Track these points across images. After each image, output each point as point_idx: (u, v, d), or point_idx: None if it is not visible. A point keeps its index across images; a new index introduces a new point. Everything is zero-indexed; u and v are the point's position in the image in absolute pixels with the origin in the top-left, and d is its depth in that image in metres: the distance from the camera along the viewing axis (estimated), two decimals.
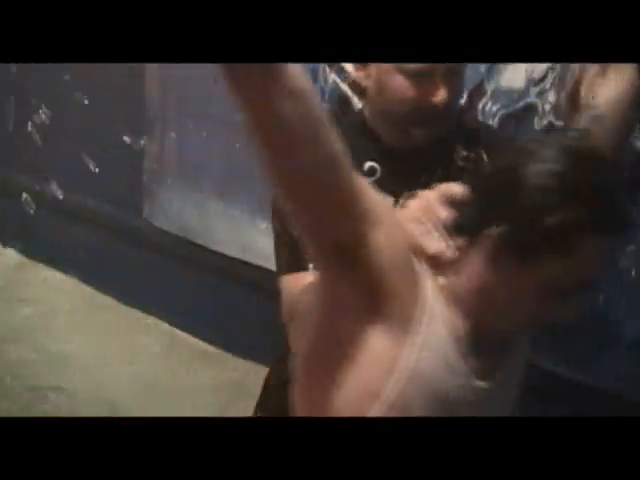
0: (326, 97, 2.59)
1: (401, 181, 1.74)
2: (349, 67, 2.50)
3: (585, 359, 2.13)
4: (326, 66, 2.56)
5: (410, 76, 1.61)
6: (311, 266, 1.66)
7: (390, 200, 1.72)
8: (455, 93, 1.69)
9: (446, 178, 1.78)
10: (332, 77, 2.57)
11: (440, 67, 1.60)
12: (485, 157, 1.85)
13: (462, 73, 1.70)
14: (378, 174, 1.74)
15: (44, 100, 4.01)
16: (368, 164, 1.74)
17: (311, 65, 2.59)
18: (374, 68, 1.67)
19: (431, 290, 1.29)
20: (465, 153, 1.84)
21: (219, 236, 3.13)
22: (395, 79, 1.62)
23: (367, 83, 1.71)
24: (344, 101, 2.55)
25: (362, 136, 1.77)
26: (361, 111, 1.84)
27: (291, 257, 1.71)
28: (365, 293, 1.24)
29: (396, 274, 1.25)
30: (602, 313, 2.07)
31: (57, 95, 3.91)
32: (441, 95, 1.62)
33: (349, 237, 1.21)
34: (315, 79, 2.60)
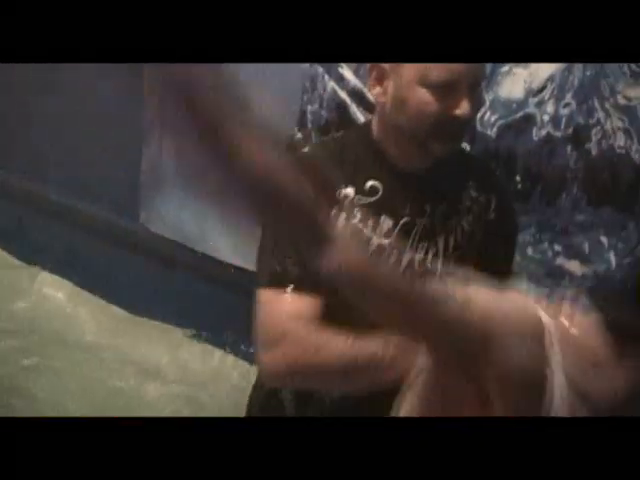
0: (324, 105, 2.59)
1: (403, 205, 1.72)
2: (348, 74, 2.50)
3: None
4: (325, 73, 2.56)
5: (433, 89, 1.55)
6: (291, 286, 1.64)
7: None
8: (477, 104, 1.67)
9: (449, 213, 1.78)
10: (331, 85, 2.56)
11: (464, 78, 1.56)
12: (493, 205, 1.84)
13: (481, 83, 1.67)
14: (379, 194, 1.71)
15: (41, 103, 4.01)
16: (370, 182, 1.71)
17: (310, 72, 2.59)
18: (391, 83, 1.63)
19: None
20: (475, 194, 1.82)
21: (215, 242, 3.13)
22: (417, 93, 1.57)
23: (384, 99, 1.65)
24: (342, 109, 2.54)
25: (367, 153, 1.74)
26: (367, 126, 1.80)
27: (276, 273, 1.67)
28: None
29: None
30: None
31: (54, 98, 3.91)
32: (465, 107, 1.57)
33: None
34: (314, 87, 2.60)
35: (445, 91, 1.56)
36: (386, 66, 1.61)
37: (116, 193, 3.67)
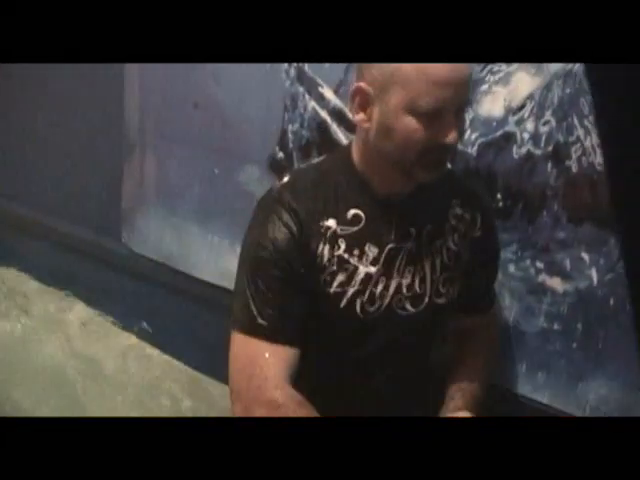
0: (305, 125, 2.59)
1: (387, 231, 1.72)
2: (328, 94, 2.50)
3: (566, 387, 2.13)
4: (306, 93, 2.57)
5: (420, 116, 1.54)
6: (267, 335, 1.64)
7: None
8: (461, 130, 1.66)
9: (435, 234, 1.78)
10: (312, 104, 2.57)
11: (450, 105, 1.55)
12: (479, 222, 1.85)
13: (465, 109, 1.66)
14: (363, 223, 1.70)
15: (21, 122, 4.00)
16: (352, 211, 1.70)
17: (291, 91, 2.59)
18: (376, 110, 1.61)
19: None
20: (460, 212, 1.83)
21: (198, 262, 3.12)
22: (404, 120, 1.55)
23: (367, 125, 1.64)
24: (323, 129, 2.55)
25: (348, 180, 1.73)
26: (347, 151, 1.78)
27: (256, 323, 1.67)
28: None
29: None
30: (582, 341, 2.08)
31: (34, 114, 3.91)
32: (452, 135, 1.56)
33: None
34: (295, 106, 2.61)
35: (432, 118, 1.55)
36: (371, 92, 1.60)
37: (97, 213, 3.66)
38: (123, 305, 3.62)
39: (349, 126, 2.44)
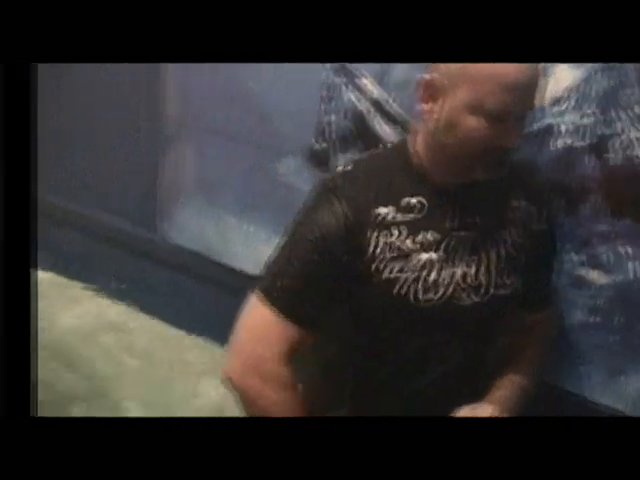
0: (344, 115, 2.59)
1: (449, 219, 1.72)
2: (368, 84, 2.51)
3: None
4: (345, 84, 2.57)
5: (485, 117, 1.56)
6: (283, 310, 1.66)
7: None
8: (521, 135, 1.67)
9: (496, 225, 1.77)
10: (349, 95, 2.57)
11: (514, 109, 1.56)
12: (544, 217, 1.84)
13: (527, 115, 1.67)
14: (423, 210, 1.71)
15: (58, 114, 4.03)
16: (412, 199, 1.71)
17: (327, 82, 2.60)
18: (443, 104, 1.62)
19: None
20: (525, 205, 1.82)
21: (236, 253, 3.13)
22: (467, 118, 1.58)
23: (435, 116, 1.65)
24: (363, 120, 2.55)
25: (407, 169, 1.73)
26: (404, 142, 1.79)
27: (300, 306, 1.69)
28: None
29: None
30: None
31: (71, 110, 3.93)
32: (511, 139, 1.59)
33: None
34: (331, 97, 2.61)
35: (495, 120, 1.56)
36: (441, 85, 1.60)
37: (134, 204, 3.68)
38: (160, 297, 3.64)
39: (390, 117, 2.44)
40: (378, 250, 1.69)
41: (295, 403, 1.70)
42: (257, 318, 1.72)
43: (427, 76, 1.64)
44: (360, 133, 2.55)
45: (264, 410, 1.69)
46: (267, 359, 1.67)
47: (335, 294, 1.72)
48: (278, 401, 1.68)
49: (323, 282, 1.70)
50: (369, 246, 1.69)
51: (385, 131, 2.47)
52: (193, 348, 3.50)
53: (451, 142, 1.63)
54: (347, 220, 1.67)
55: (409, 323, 1.74)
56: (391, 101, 2.38)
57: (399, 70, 2.36)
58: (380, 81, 2.47)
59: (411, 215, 1.70)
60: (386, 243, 1.69)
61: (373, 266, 1.70)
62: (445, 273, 1.72)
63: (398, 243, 1.69)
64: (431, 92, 1.64)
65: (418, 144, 1.74)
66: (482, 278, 1.76)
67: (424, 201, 1.70)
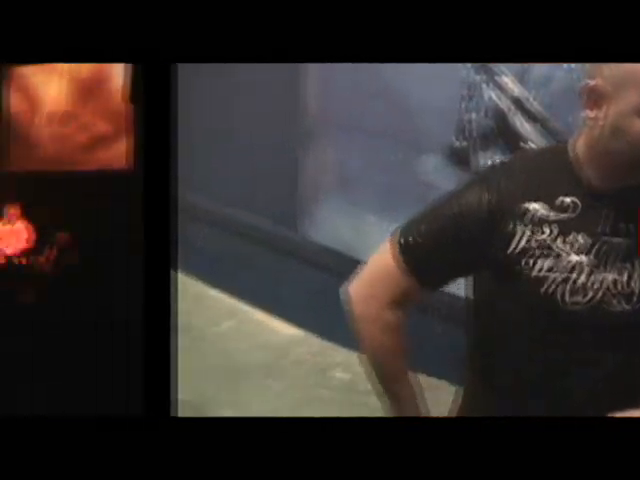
0: (485, 114, 2.59)
1: (601, 223, 1.70)
2: (509, 83, 2.49)
3: None
4: (486, 82, 2.56)
5: None
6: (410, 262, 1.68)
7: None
8: None
9: None
10: (490, 93, 2.56)
11: None
12: None
13: None
14: (577, 211, 1.69)
15: (200, 114, 4.12)
16: (567, 199, 1.69)
17: (468, 80, 2.60)
18: (609, 109, 1.60)
19: None
20: None
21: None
22: (635, 123, 1.52)
23: (601, 122, 1.64)
24: (503, 118, 2.54)
25: (564, 170, 1.72)
26: (563, 146, 1.78)
27: (434, 274, 1.72)
28: None
29: None
30: None
31: (213, 110, 4.02)
32: None
33: None
34: (472, 95, 2.61)
35: None
36: (605, 91, 1.59)
37: (274, 202, 3.74)
38: (298, 294, 3.70)
39: (530, 115, 2.42)
40: (527, 245, 1.68)
41: (396, 347, 1.75)
42: (383, 259, 1.76)
43: (591, 82, 1.62)
44: (501, 131, 2.54)
45: (370, 339, 1.75)
46: (378, 299, 1.72)
47: (461, 269, 1.74)
48: (382, 340, 1.73)
49: (452, 254, 1.72)
50: (513, 238, 1.69)
51: (526, 129, 2.45)
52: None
53: (618, 148, 1.60)
54: (490, 205, 1.68)
55: (555, 324, 1.73)
56: (532, 99, 2.36)
57: (539, 68, 2.34)
58: (521, 79, 2.46)
59: (564, 215, 1.69)
60: (536, 240, 1.68)
61: (523, 261, 1.69)
62: (594, 277, 1.70)
63: (549, 241, 1.68)
64: (595, 98, 1.61)
65: (578, 147, 1.72)
66: (634, 286, 1.73)
67: (578, 202, 1.69)
